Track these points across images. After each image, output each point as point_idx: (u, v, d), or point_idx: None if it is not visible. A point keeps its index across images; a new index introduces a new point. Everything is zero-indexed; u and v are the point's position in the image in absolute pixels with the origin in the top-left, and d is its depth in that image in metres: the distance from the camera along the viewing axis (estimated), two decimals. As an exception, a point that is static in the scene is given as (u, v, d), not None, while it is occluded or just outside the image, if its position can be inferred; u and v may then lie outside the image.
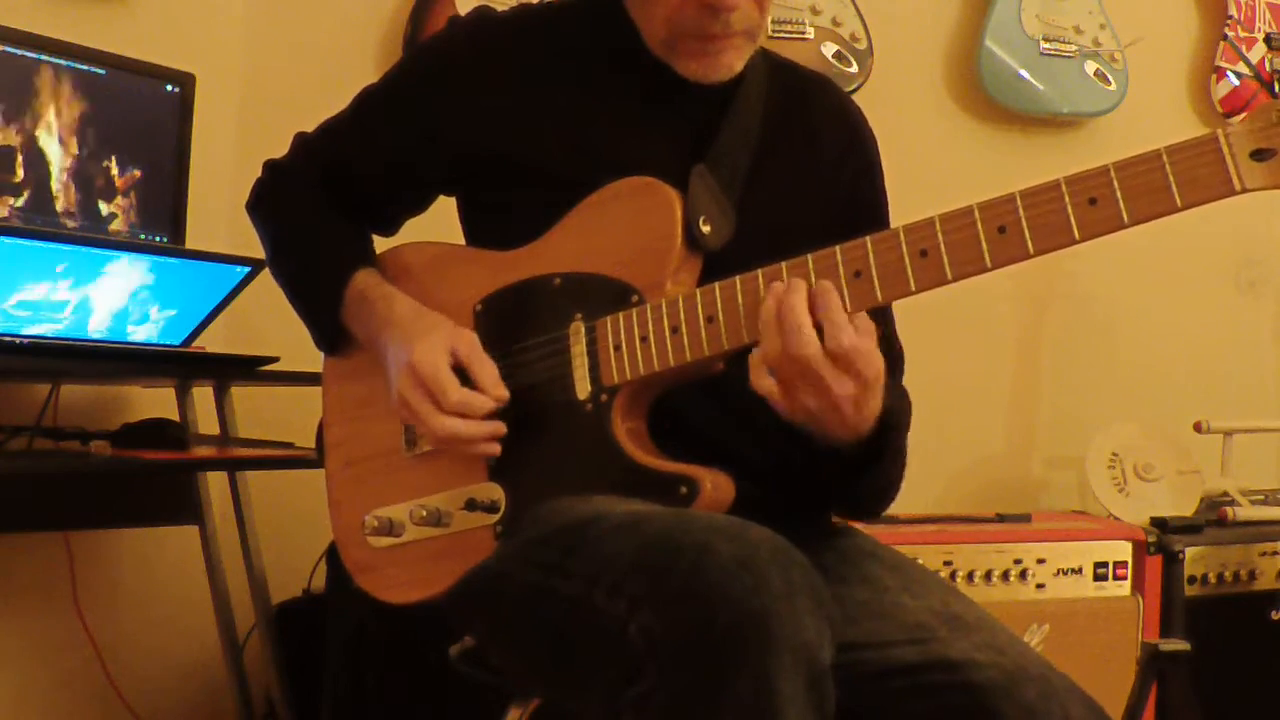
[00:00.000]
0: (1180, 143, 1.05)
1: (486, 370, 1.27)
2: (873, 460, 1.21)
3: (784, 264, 1.17)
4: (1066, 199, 1.08)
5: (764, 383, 1.14)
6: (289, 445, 2.11)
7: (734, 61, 1.31)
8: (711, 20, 1.27)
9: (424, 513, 1.31)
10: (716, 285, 1.20)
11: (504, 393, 1.27)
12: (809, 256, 1.16)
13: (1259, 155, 1.03)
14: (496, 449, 1.28)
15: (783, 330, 1.12)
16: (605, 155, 1.31)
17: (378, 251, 1.47)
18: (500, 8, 1.44)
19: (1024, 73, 2.84)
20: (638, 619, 0.98)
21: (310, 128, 1.51)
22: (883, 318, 1.40)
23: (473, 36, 1.40)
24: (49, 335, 1.88)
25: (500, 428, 1.27)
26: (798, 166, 1.39)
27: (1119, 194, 1.06)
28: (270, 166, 1.51)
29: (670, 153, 1.31)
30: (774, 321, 1.13)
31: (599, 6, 1.38)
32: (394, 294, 1.37)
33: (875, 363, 1.13)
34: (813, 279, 1.15)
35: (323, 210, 1.46)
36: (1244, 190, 1.04)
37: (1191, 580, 2.37)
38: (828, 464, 1.22)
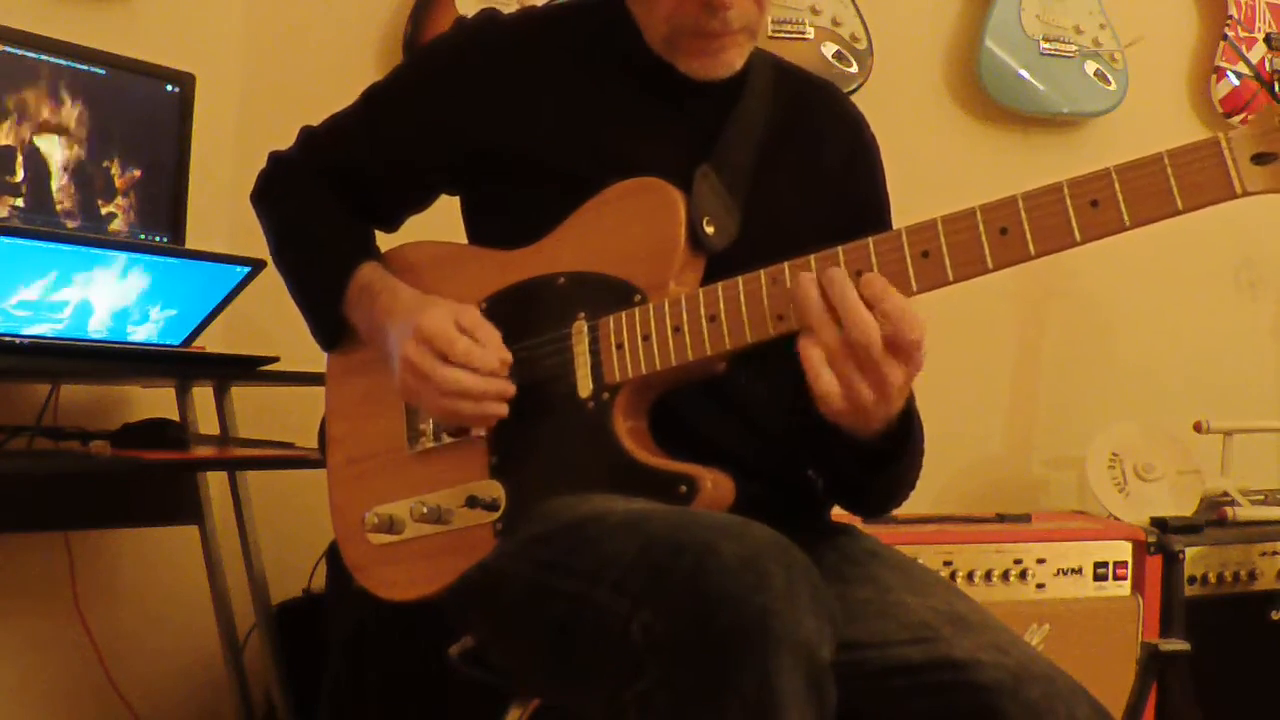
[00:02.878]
0: (1181, 146, 1.05)
1: (490, 334, 1.27)
2: (901, 450, 1.21)
3: (786, 264, 1.17)
4: (1068, 201, 1.08)
5: (825, 383, 1.11)
6: (289, 445, 2.11)
7: (734, 59, 1.32)
8: (709, 18, 1.28)
9: (424, 510, 1.31)
10: (719, 285, 1.21)
11: (507, 355, 1.27)
12: (811, 257, 1.16)
13: (1260, 159, 1.03)
14: (503, 409, 1.27)
15: (840, 317, 1.10)
16: (610, 155, 1.32)
17: (383, 250, 1.47)
18: (503, 9, 1.44)
19: (1024, 73, 2.84)
20: (639, 617, 0.98)
21: (309, 126, 1.51)
22: None
23: (478, 38, 1.40)
24: (49, 335, 1.88)
25: (508, 387, 1.27)
26: (801, 169, 1.39)
27: (1120, 197, 1.06)
28: (275, 158, 1.52)
29: (675, 152, 1.31)
30: (823, 309, 1.11)
31: (603, 8, 1.38)
32: (398, 284, 1.37)
33: (923, 348, 1.12)
34: (874, 264, 1.14)
35: (326, 204, 1.46)
36: (1245, 194, 1.04)
37: (1191, 580, 2.38)
38: (855, 458, 1.21)
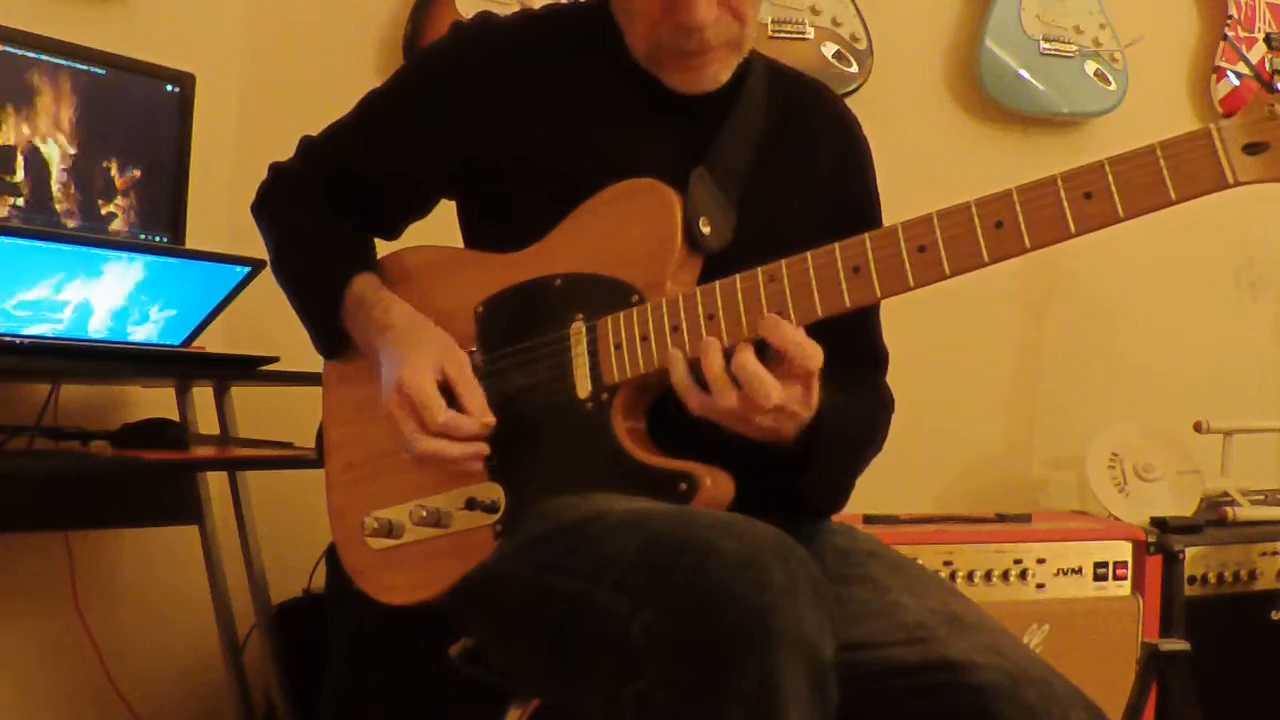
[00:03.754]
0: (1174, 137, 1.06)
1: (474, 396, 1.28)
2: (813, 449, 1.22)
3: (783, 261, 1.18)
4: (1062, 194, 1.09)
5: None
6: (289, 445, 2.11)
7: (718, 73, 1.32)
8: (686, 38, 1.28)
9: (424, 513, 1.31)
10: (717, 283, 1.21)
11: (490, 418, 1.27)
12: (808, 254, 1.17)
13: (1252, 149, 1.04)
14: (477, 467, 1.28)
15: (745, 387, 1.14)
16: (607, 158, 1.32)
17: (380, 255, 1.47)
18: (501, 11, 1.44)
19: (1024, 73, 2.84)
20: (641, 616, 0.98)
21: (310, 128, 1.51)
22: (867, 321, 1.40)
23: (475, 42, 1.40)
24: (49, 335, 1.88)
25: (483, 448, 1.27)
26: (796, 170, 1.40)
27: (1114, 188, 1.07)
28: (275, 170, 1.52)
29: (671, 156, 1.31)
30: (729, 385, 1.15)
31: (597, 15, 1.38)
32: (391, 300, 1.37)
33: (818, 358, 1.15)
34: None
35: (325, 214, 1.46)
36: (1237, 184, 1.05)
37: (1191, 580, 2.37)
38: (773, 460, 1.23)
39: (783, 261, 1.18)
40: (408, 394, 1.26)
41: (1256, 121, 1.04)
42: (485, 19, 1.42)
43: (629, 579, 1.02)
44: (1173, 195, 1.05)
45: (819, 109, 1.46)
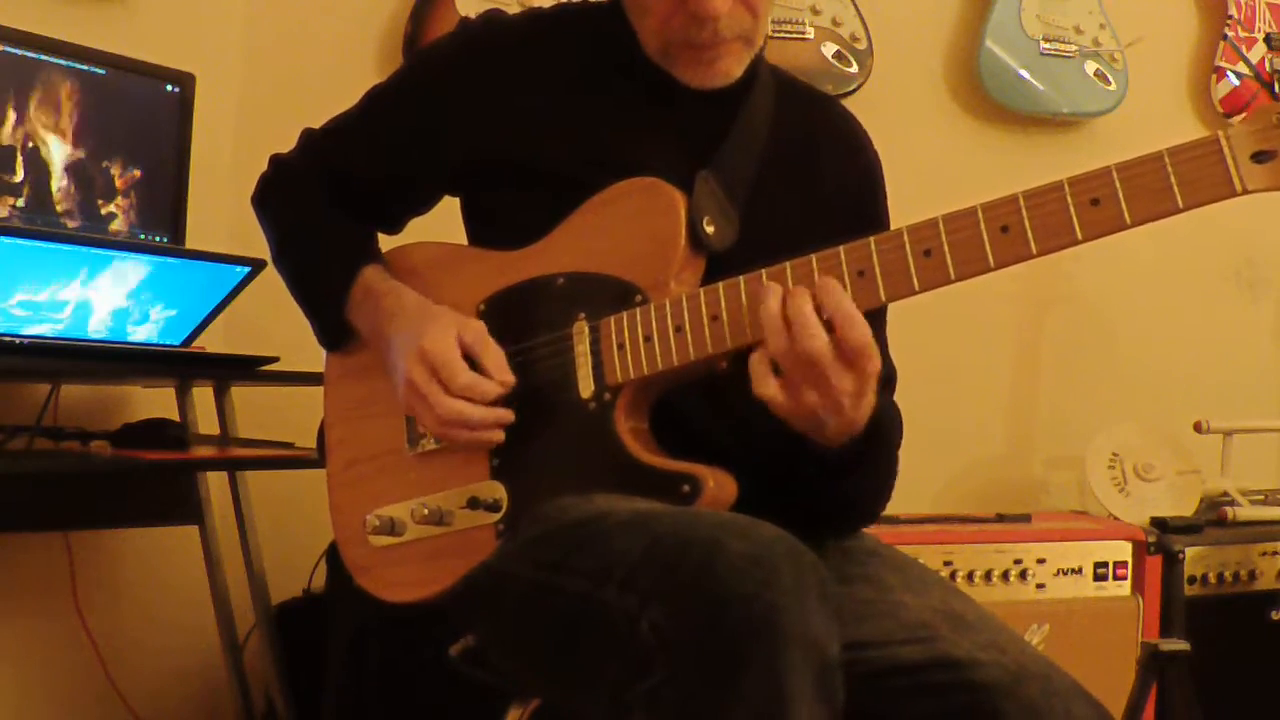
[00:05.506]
0: (1181, 144, 1.06)
1: (493, 356, 1.27)
2: (863, 459, 1.21)
3: (787, 263, 1.18)
4: (1069, 199, 1.08)
5: (767, 389, 1.13)
6: (289, 445, 2.11)
7: (731, 67, 1.32)
8: (699, 30, 1.28)
9: (425, 511, 1.31)
10: (720, 284, 1.21)
11: (510, 378, 1.27)
12: (813, 256, 1.17)
13: (1259, 157, 1.04)
14: (500, 436, 1.27)
15: (790, 326, 1.11)
16: (610, 158, 1.31)
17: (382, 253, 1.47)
18: (506, 8, 1.44)
19: (1024, 73, 2.84)
20: (648, 614, 0.98)
21: (310, 128, 1.51)
22: (877, 339, 1.40)
23: (481, 39, 1.40)
24: (49, 335, 1.87)
25: (507, 415, 1.27)
26: (802, 181, 1.39)
27: (1121, 195, 1.07)
28: (276, 161, 1.51)
29: (674, 157, 1.31)
30: (780, 319, 1.12)
31: (604, 13, 1.38)
32: (401, 288, 1.37)
33: (876, 358, 1.13)
34: (817, 278, 1.16)
35: (328, 207, 1.46)
36: (1245, 192, 1.05)
37: (1191, 580, 2.38)
38: (817, 466, 1.21)
39: (787, 263, 1.17)
40: (430, 357, 1.25)
41: (1264, 129, 1.04)
42: (491, 17, 1.42)
43: (636, 577, 1.02)
44: (1180, 203, 1.05)
45: (830, 125, 1.45)
